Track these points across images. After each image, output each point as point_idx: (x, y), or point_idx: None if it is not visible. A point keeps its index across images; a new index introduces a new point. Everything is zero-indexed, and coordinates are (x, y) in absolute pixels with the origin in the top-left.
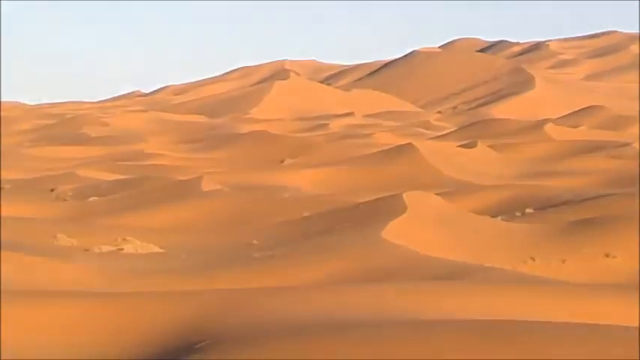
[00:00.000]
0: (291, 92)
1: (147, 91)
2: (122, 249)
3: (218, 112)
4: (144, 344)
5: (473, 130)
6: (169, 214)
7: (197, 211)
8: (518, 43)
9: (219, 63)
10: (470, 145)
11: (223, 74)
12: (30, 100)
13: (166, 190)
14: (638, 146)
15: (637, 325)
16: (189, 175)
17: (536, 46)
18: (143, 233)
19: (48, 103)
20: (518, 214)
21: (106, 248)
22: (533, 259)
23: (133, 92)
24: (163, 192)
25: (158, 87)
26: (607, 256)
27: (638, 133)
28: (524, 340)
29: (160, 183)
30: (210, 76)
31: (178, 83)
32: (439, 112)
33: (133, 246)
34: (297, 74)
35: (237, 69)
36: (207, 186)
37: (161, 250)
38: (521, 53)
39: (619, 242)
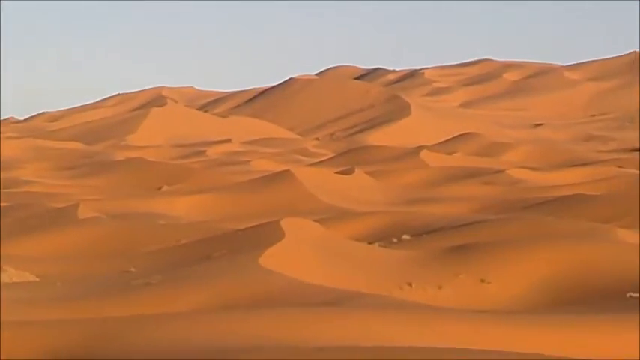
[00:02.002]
0: (169, 119)
1: (21, 118)
2: None
3: (94, 139)
4: None
5: (350, 157)
6: (45, 242)
7: (73, 239)
8: (394, 71)
9: (95, 90)
10: (347, 172)
11: (99, 101)
12: None
13: (42, 217)
14: (511, 173)
15: (510, 349)
16: (65, 202)
17: (412, 74)
18: (19, 261)
19: None
20: (394, 240)
21: None
22: (409, 284)
23: (7, 119)
24: (39, 220)
25: (33, 114)
26: (482, 281)
27: (512, 159)
28: None
29: (36, 210)
30: (86, 102)
31: (53, 110)
32: (317, 139)
33: (7, 275)
34: (175, 101)
35: (114, 95)
36: (83, 214)
37: (37, 279)
38: (397, 81)
39: (494, 268)
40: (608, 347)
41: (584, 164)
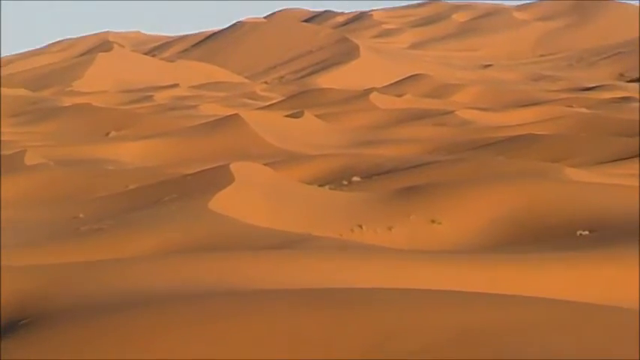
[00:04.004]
0: (115, 64)
1: None
2: None
3: (40, 86)
4: None
5: (300, 100)
6: None
7: (21, 186)
8: (342, 13)
9: (41, 36)
10: (297, 115)
11: (45, 47)
12: None
13: None
14: (461, 114)
15: (453, 288)
16: (11, 149)
17: (360, 16)
18: None
19: None
20: (345, 182)
21: None
22: (360, 226)
23: None
24: None
25: None
26: (433, 222)
27: (461, 100)
28: (356, 307)
29: None
30: (31, 49)
31: None
32: (265, 82)
33: None
34: (121, 46)
35: (59, 41)
36: (30, 160)
37: None
38: (346, 23)
39: (444, 209)
40: (553, 285)
41: (534, 104)
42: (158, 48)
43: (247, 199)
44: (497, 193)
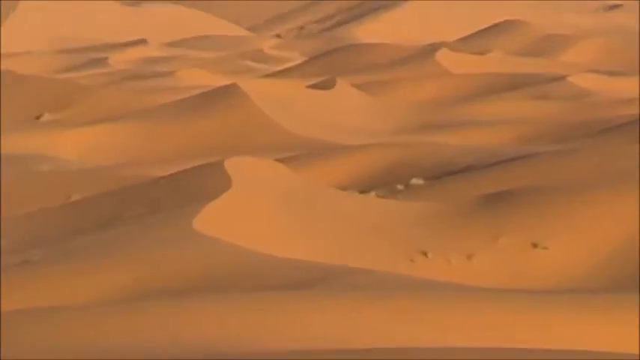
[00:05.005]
0: (47, 13)
1: None
2: None
3: None
4: None
5: (329, 62)
6: None
7: None
8: None
9: None
10: (325, 85)
11: None
12: None
13: None
14: (576, 80)
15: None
16: None
17: None
18: None
19: None
20: (400, 187)
21: None
22: (425, 254)
23: None
24: None
25: None
26: (535, 246)
27: (576, 60)
28: None
29: None
30: None
31: None
32: (278, 35)
33: None
34: None
35: None
36: None
37: None
38: None
39: (552, 227)
40: None
41: None
42: None
43: (251, 214)
44: (629, 202)
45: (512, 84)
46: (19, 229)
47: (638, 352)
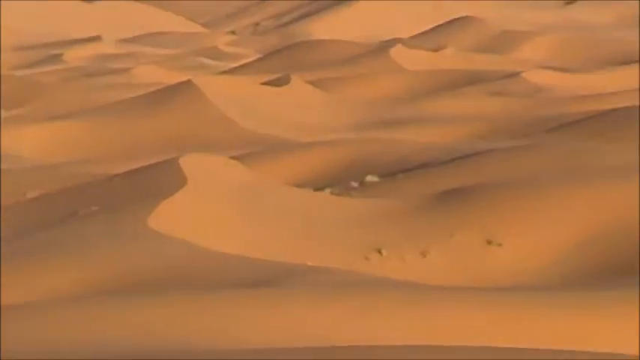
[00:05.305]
0: (2, 7)
1: None
2: None
3: None
4: None
5: (284, 59)
6: None
7: None
8: None
9: None
10: (280, 82)
11: None
12: None
13: None
14: (530, 77)
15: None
16: None
17: None
18: None
19: None
20: (355, 184)
21: None
22: (379, 252)
23: None
24: None
25: None
26: (489, 243)
27: (530, 56)
28: None
29: None
30: None
31: None
32: (232, 32)
33: None
34: None
35: None
36: None
37: None
38: None
39: (506, 223)
40: None
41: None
42: None
43: (205, 212)
44: (584, 200)
45: (467, 80)
46: None
47: (595, 349)
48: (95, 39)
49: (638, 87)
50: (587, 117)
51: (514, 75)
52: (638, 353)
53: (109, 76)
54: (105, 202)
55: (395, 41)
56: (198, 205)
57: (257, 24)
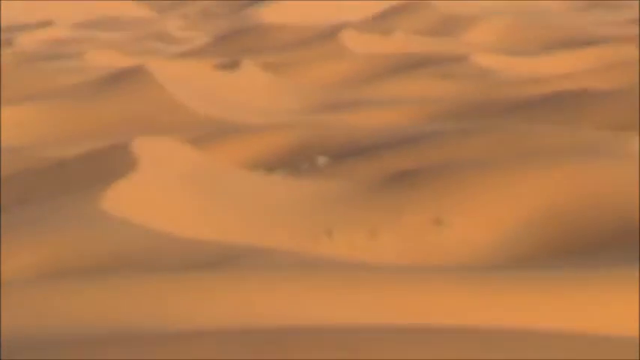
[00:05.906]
0: None
1: None
2: None
3: None
4: None
5: (235, 43)
6: None
7: None
8: None
9: None
10: (230, 66)
11: None
12: None
13: None
14: (478, 59)
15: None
16: None
17: None
18: None
19: None
20: (305, 166)
21: None
22: (329, 233)
23: None
24: None
25: None
26: (438, 223)
27: (478, 40)
28: (314, 353)
29: None
30: None
31: None
32: (184, 16)
33: None
34: None
35: None
36: None
37: None
38: None
39: (454, 203)
40: (615, 317)
41: (587, 44)
42: None
43: (157, 194)
44: (533, 180)
45: (416, 64)
46: None
47: (546, 329)
48: (48, 23)
49: (581, 69)
50: (532, 100)
51: (462, 58)
52: (581, 329)
53: (61, 61)
54: (59, 185)
55: (345, 25)
56: (151, 188)
57: (206, 8)
